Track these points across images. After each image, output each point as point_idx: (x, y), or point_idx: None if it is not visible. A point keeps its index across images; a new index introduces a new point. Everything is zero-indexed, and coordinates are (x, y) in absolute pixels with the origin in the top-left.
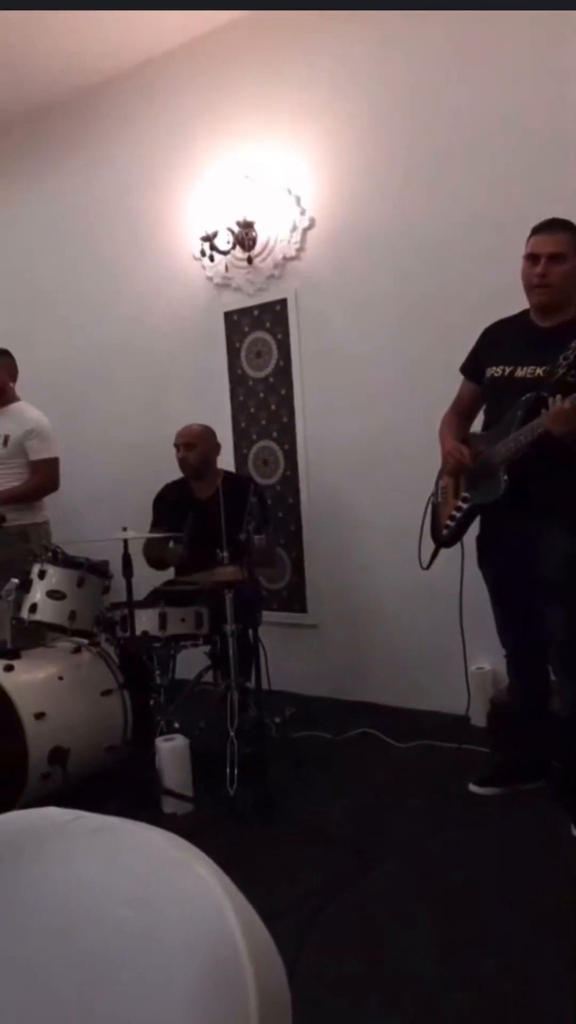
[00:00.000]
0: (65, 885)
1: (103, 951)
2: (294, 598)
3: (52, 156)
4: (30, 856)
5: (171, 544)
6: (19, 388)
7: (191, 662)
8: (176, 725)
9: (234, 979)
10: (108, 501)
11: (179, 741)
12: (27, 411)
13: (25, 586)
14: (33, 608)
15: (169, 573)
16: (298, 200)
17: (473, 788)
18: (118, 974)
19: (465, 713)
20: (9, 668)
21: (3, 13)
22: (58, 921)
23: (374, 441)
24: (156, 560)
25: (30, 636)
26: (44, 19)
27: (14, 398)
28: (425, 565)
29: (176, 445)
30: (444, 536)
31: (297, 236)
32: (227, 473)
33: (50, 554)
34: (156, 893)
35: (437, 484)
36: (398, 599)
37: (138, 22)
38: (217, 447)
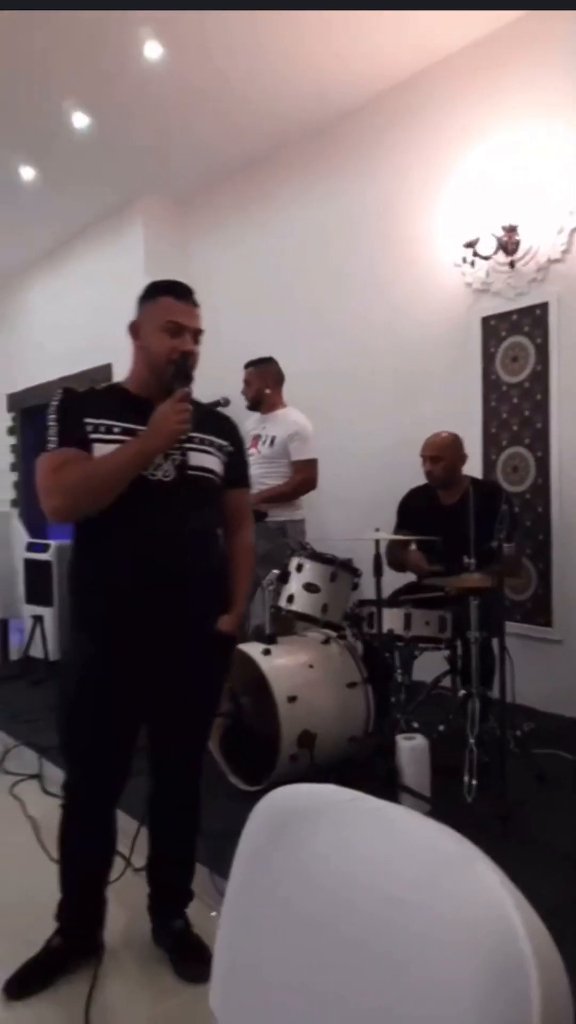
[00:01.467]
0: (342, 862)
1: (374, 936)
2: (538, 610)
3: (323, 171)
4: (309, 829)
5: (412, 547)
6: (286, 391)
7: (428, 665)
8: (415, 725)
9: (517, 984)
10: (356, 503)
11: (419, 741)
12: (291, 415)
13: (283, 577)
14: (291, 599)
15: (409, 576)
16: (565, 201)
17: None
18: (384, 962)
19: None
20: (267, 652)
21: (262, 42)
22: (332, 899)
23: None
24: (397, 563)
25: (282, 624)
26: (306, 43)
27: (280, 403)
28: None
29: (423, 457)
30: None
31: (564, 238)
32: (474, 480)
33: (305, 550)
34: (433, 884)
35: None
36: None
37: (399, 38)
38: (463, 457)
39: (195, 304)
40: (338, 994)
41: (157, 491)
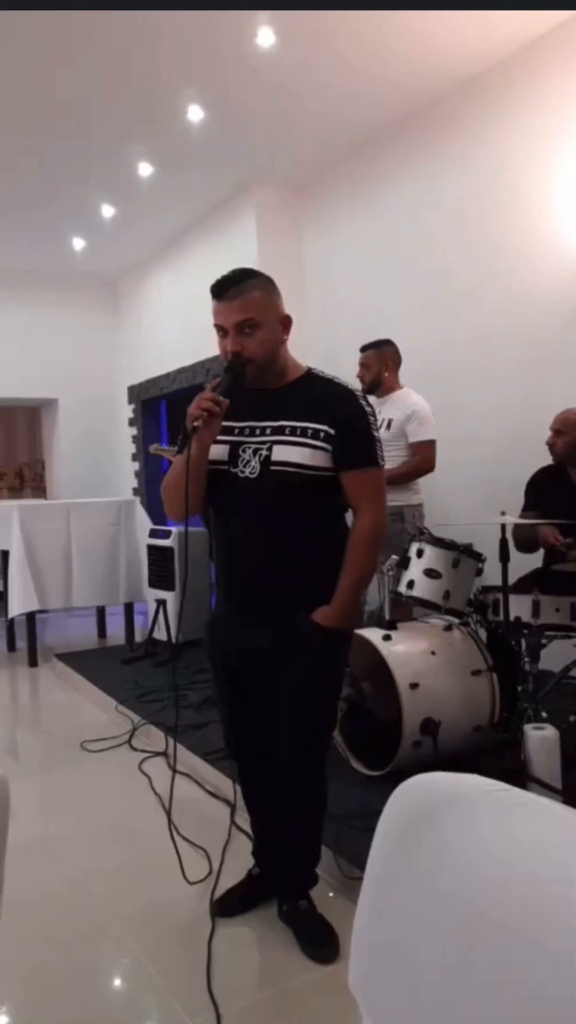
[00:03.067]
0: (497, 848)
1: (532, 922)
2: None
3: (443, 143)
4: (459, 816)
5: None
6: (404, 373)
7: (557, 654)
8: (544, 715)
9: None
10: (477, 488)
11: (549, 731)
12: (409, 396)
13: (403, 563)
14: (411, 584)
15: (535, 562)
16: None
17: None
18: (541, 947)
19: None
20: (387, 638)
21: (378, 16)
22: (486, 884)
23: None
24: (527, 541)
25: (400, 610)
26: (422, 13)
27: (397, 386)
28: None
29: (551, 430)
30: None
31: None
32: None
33: (424, 535)
34: None
35: None
36: None
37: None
38: None
39: (234, 296)
40: (493, 978)
41: (244, 489)
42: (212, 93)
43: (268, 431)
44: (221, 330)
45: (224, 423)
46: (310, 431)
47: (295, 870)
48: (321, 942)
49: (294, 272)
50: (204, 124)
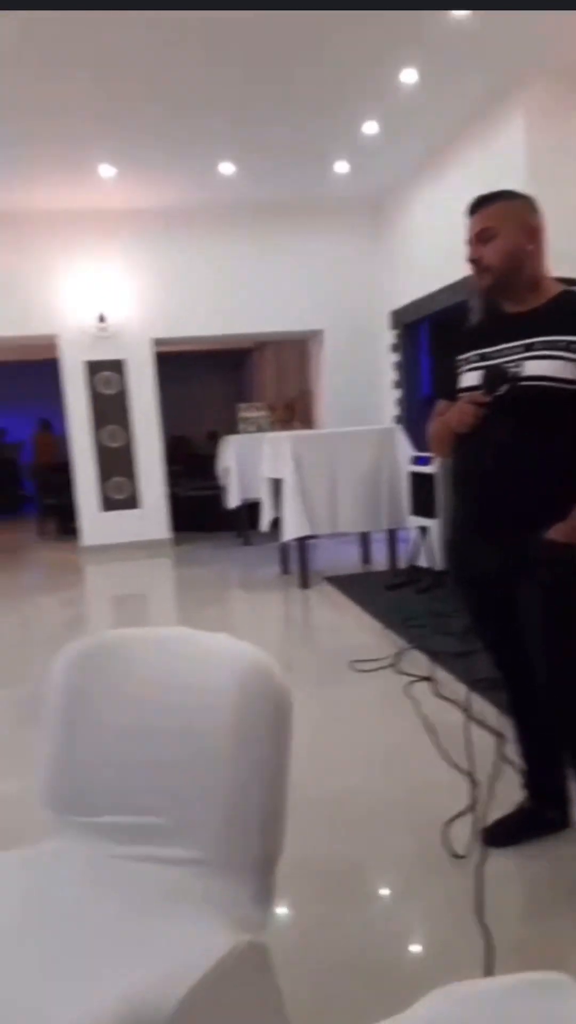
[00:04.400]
0: None
1: None
2: None
3: None
4: None
5: None
6: None
7: None
8: None
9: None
10: None
11: None
12: None
13: None
14: None
15: None
16: None
17: None
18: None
19: None
20: None
21: None
22: None
23: None
24: None
25: None
26: None
27: None
28: None
29: None
30: None
31: None
32: None
33: None
34: None
35: None
36: None
37: None
38: None
39: (480, 211)
40: None
41: (493, 407)
42: None
43: (520, 350)
44: (468, 244)
45: (478, 351)
46: (562, 343)
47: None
48: None
49: (570, 175)
50: (469, 18)
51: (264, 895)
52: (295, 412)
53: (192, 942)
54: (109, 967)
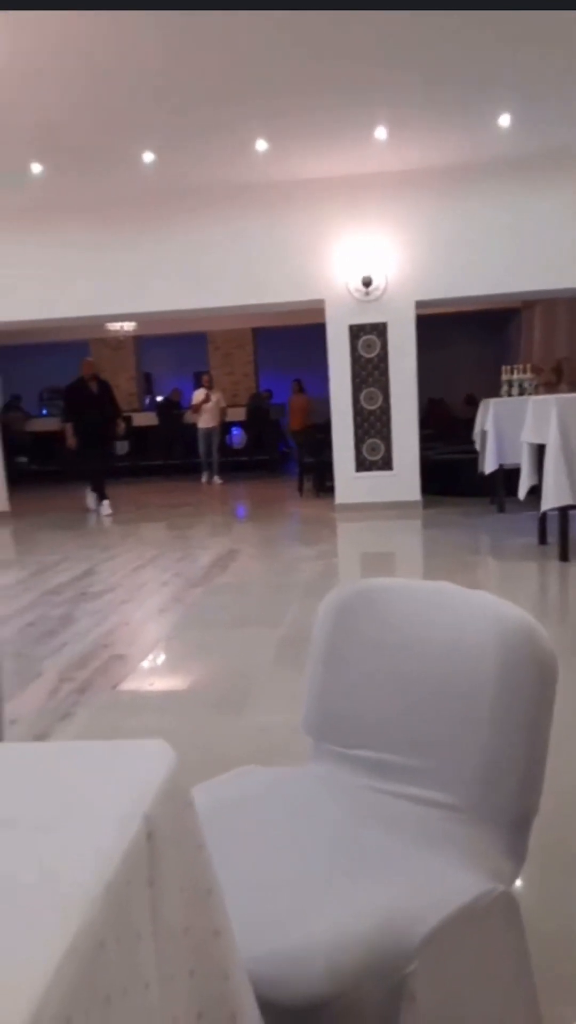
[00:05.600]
0: None
1: None
2: None
3: None
4: None
5: None
6: None
7: None
8: None
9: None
10: None
11: None
12: None
13: None
14: None
15: None
16: None
17: None
18: None
19: None
20: None
21: None
22: None
23: None
24: None
25: None
26: None
27: None
28: None
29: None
30: None
31: None
32: None
33: None
34: None
35: None
36: None
37: None
38: None
39: None
40: None
41: None
42: None
43: None
44: None
45: None
46: None
47: None
48: None
49: None
50: None
51: (518, 850)
52: (563, 375)
53: (448, 880)
54: (367, 887)
